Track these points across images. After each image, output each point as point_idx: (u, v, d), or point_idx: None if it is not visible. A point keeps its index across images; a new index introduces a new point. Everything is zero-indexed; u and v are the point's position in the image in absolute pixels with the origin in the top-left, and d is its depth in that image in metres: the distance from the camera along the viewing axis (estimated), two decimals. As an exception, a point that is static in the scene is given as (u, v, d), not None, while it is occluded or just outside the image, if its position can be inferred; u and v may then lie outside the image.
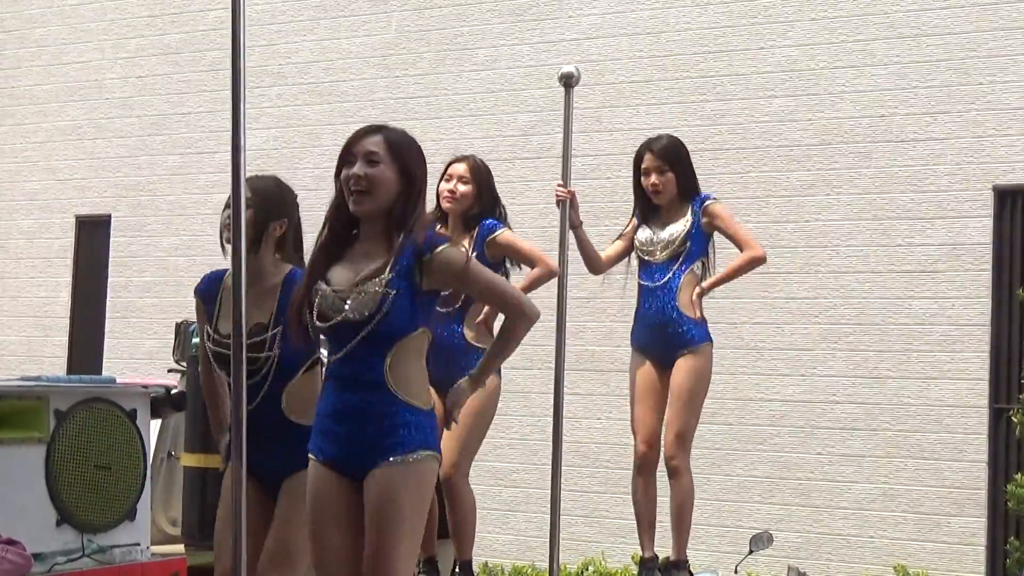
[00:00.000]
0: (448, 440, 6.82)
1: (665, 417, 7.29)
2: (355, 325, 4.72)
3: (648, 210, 7.39)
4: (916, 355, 10.80)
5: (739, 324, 11.37)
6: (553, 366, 7.00)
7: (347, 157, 4.83)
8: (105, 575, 6.35)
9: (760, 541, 7.81)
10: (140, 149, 14.47)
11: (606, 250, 7.52)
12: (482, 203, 7.05)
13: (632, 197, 7.54)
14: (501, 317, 7.03)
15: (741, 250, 7.34)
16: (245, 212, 5.62)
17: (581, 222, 7.23)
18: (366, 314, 4.70)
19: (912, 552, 10.64)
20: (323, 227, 4.93)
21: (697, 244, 7.29)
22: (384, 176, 4.77)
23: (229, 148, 4.91)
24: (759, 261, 7.34)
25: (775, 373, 11.25)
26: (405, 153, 4.83)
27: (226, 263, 5.53)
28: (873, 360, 10.93)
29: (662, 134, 7.55)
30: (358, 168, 4.76)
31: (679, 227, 7.29)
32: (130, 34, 14.69)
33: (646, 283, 7.35)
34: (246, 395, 5.06)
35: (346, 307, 4.72)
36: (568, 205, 7.04)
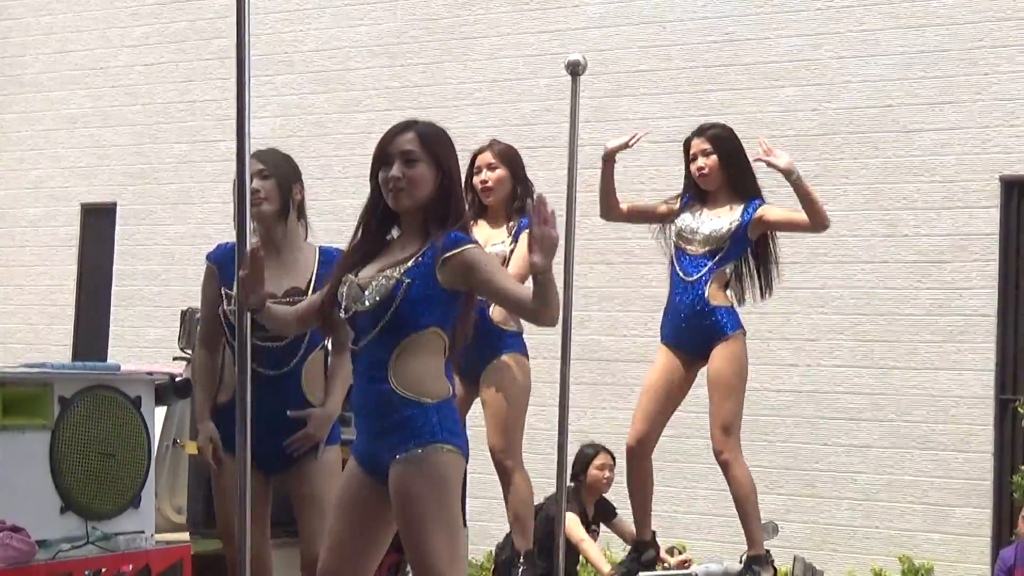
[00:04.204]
0: (499, 431, 6.80)
1: (709, 411, 7.21)
2: (372, 314, 4.72)
3: (696, 198, 7.29)
4: (922, 346, 10.79)
5: (744, 314, 11.29)
6: (559, 356, 6.98)
7: (383, 158, 4.80)
8: (109, 562, 6.34)
9: (765, 531, 7.79)
10: (146, 137, 14.47)
11: (637, 203, 7.43)
12: (520, 184, 7.00)
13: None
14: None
15: (807, 219, 7.16)
16: (267, 182, 5.70)
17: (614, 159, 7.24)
18: (377, 300, 4.70)
19: (917, 543, 10.63)
20: (356, 230, 4.91)
21: (737, 245, 7.15)
22: (423, 174, 4.77)
23: (235, 136, 4.91)
24: (821, 213, 7.13)
25: (781, 363, 11.24)
26: (440, 147, 4.84)
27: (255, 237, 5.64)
28: (879, 351, 10.92)
29: (714, 122, 7.48)
30: (396, 169, 4.75)
31: (723, 223, 7.11)
32: (136, 22, 14.69)
33: (681, 276, 7.18)
34: (273, 359, 5.40)
35: (365, 295, 4.73)
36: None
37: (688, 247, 7.17)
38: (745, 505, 7.20)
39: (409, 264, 4.72)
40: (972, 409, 10.60)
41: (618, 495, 11.40)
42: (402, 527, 4.69)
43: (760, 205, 7.17)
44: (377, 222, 4.88)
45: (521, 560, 7.02)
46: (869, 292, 11.02)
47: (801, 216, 7.19)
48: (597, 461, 9.28)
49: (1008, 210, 10.73)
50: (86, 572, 6.25)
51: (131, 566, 6.42)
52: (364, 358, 4.76)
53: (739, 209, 7.16)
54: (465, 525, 7.69)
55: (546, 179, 11.70)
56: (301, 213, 5.89)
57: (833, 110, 11.28)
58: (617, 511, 9.40)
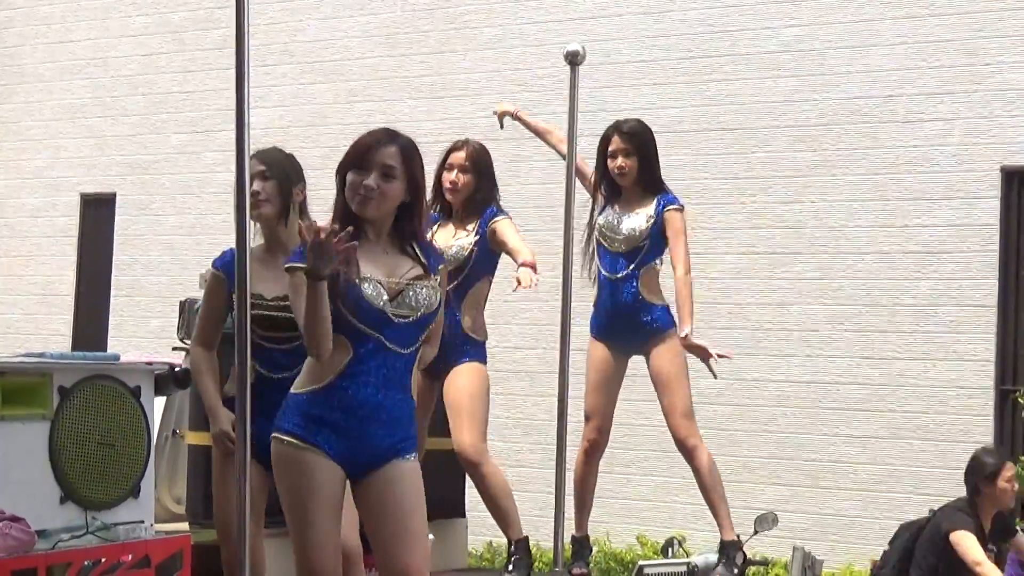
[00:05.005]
0: (463, 428, 6.84)
1: (662, 405, 7.32)
2: (418, 323, 4.87)
3: (612, 193, 7.41)
4: (922, 336, 10.78)
5: (745, 305, 11.35)
6: (558, 346, 6.99)
7: (360, 163, 4.86)
8: (109, 552, 6.35)
9: (765, 522, 7.80)
10: (145, 127, 14.45)
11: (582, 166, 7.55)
12: (482, 188, 7.07)
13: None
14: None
15: (673, 266, 7.29)
16: (268, 183, 5.69)
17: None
18: (433, 309, 4.88)
19: (917, 533, 10.62)
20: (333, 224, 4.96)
21: (656, 243, 7.31)
22: (396, 190, 4.86)
23: (234, 127, 4.90)
24: (684, 284, 7.24)
25: (781, 354, 11.23)
26: (417, 167, 4.93)
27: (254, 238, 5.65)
28: (879, 341, 10.91)
29: (630, 118, 7.58)
30: (372, 180, 4.82)
31: (640, 221, 7.29)
32: (135, 12, 14.67)
33: (607, 274, 7.38)
34: (281, 362, 5.42)
35: (410, 302, 4.83)
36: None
37: (610, 245, 7.31)
38: (713, 491, 7.32)
39: (436, 278, 4.91)
40: (972, 400, 10.59)
41: (619, 478, 11.43)
42: (404, 516, 4.81)
43: (667, 205, 7.32)
44: (346, 221, 4.90)
45: (514, 549, 7.08)
46: (869, 283, 11.01)
47: (673, 250, 7.29)
48: (1006, 473, 8.13)
49: (1008, 200, 10.72)
50: (85, 562, 6.25)
51: (131, 556, 6.43)
52: (399, 363, 4.86)
53: (651, 206, 7.34)
54: (464, 515, 7.85)
55: (544, 170, 11.71)
56: (303, 212, 5.89)
57: (833, 100, 11.26)
58: (1019, 528, 8.48)
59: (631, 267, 7.29)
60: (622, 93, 11.96)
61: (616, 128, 7.42)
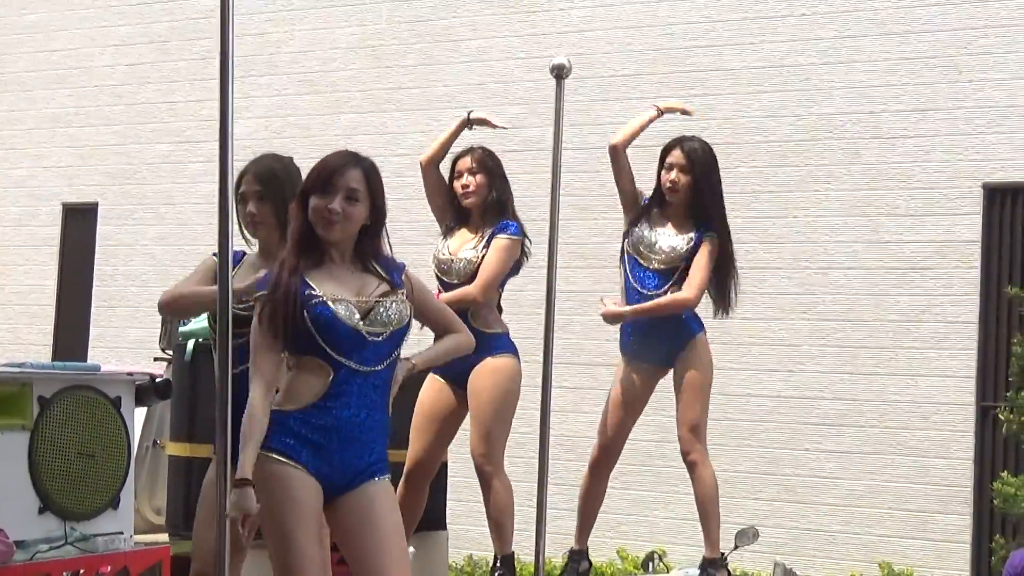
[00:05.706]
0: (476, 436, 6.83)
1: (677, 412, 7.24)
2: (391, 339, 4.91)
3: (655, 204, 7.26)
4: (904, 352, 10.80)
5: (727, 319, 11.33)
6: (541, 359, 6.98)
7: (324, 186, 4.89)
8: (87, 563, 6.33)
9: (745, 536, 7.80)
10: (128, 137, 14.42)
11: (626, 179, 7.35)
12: (496, 187, 7.04)
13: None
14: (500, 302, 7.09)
15: (685, 286, 7.12)
16: (264, 206, 5.66)
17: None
18: (403, 325, 4.93)
19: (897, 549, 10.64)
20: (291, 247, 4.99)
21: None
22: (360, 213, 4.93)
23: (218, 138, 4.89)
24: (681, 305, 7.10)
25: (762, 369, 11.24)
26: (378, 189, 4.99)
27: (250, 251, 5.71)
28: (861, 357, 10.93)
29: (698, 136, 7.38)
30: (337, 203, 4.87)
31: (681, 243, 7.12)
32: (120, 21, 14.65)
33: (639, 289, 7.19)
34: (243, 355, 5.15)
35: (379, 318, 4.88)
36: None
37: (644, 261, 7.16)
38: (708, 506, 7.28)
39: (403, 291, 4.96)
40: (953, 415, 10.61)
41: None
42: (383, 537, 4.85)
43: (707, 233, 7.15)
44: (307, 242, 4.95)
45: (499, 564, 7.08)
46: (851, 298, 11.03)
47: (694, 273, 7.14)
48: None
49: (990, 217, 10.75)
50: (64, 573, 6.24)
51: (109, 567, 6.41)
52: (378, 380, 4.91)
53: (692, 231, 7.16)
54: (445, 528, 7.86)
55: (530, 182, 11.70)
56: None
57: (816, 116, 11.28)
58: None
59: (665, 287, 7.11)
60: (605, 107, 11.97)
61: (679, 141, 7.21)
